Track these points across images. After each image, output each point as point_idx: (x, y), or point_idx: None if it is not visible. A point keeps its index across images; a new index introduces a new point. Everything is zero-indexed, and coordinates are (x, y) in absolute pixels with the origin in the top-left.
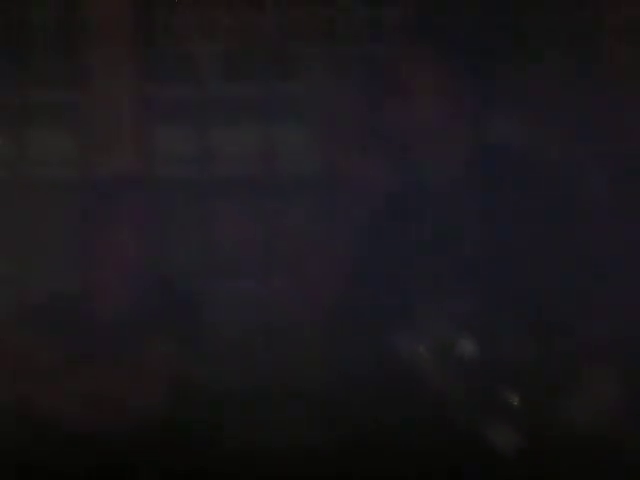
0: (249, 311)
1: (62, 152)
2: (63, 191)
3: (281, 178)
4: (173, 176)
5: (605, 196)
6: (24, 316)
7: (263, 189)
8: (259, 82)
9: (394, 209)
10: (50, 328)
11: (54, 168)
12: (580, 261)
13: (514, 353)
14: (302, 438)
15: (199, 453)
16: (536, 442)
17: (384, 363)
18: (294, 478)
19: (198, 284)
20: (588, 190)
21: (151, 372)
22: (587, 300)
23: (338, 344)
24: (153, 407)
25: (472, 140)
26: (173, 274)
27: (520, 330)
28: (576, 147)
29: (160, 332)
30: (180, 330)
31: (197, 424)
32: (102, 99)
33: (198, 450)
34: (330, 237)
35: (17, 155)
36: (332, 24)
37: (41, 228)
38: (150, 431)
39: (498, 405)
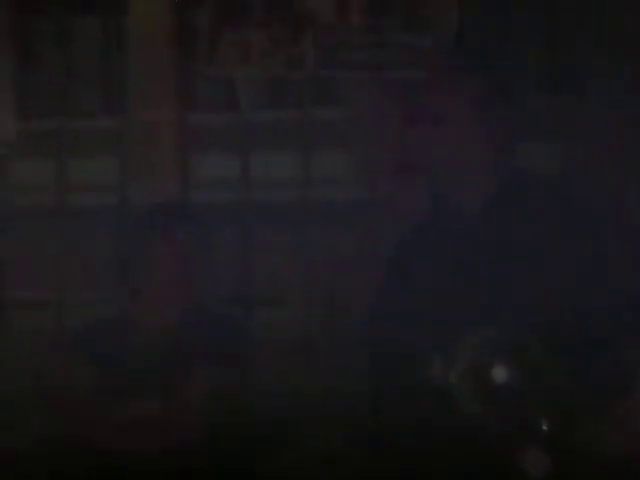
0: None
1: (104, 179)
2: (104, 218)
3: (320, 204)
4: (213, 202)
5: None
6: (65, 343)
7: (303, 215)
8: (298, 107)
9: (430, 236)
10: (91, 356)
11: (96, 195)
12: (613, 290)
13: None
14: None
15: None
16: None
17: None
18: None
19: (237, 312)
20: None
21: (190, 402)
22: (621, 325)
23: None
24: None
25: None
26: (213, 302)
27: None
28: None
29: (198, 360)
30: (217, 356)
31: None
32: (143, 126)
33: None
34: (367, 264)
35: (59, 182)
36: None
37: (84, 255)
38: (189, 459)
39: (531, 431)
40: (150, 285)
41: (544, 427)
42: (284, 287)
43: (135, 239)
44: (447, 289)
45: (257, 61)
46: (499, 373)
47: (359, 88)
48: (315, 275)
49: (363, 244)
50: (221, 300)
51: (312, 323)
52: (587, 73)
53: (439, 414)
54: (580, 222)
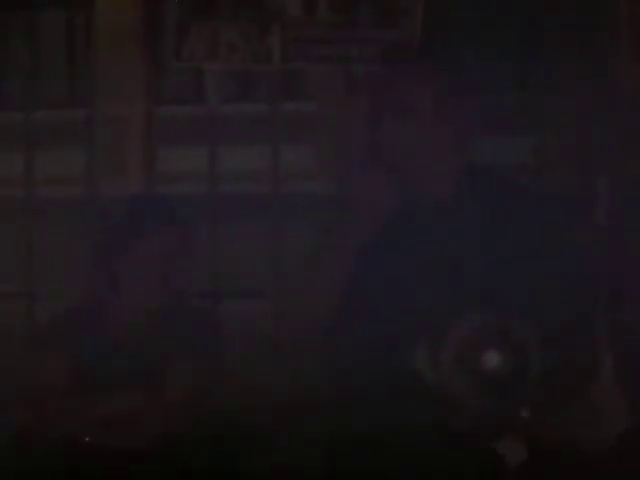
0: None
1: (70, 171)
2: (71, 210)
3: (286, 197)
4: (179, 194)
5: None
6: (40, 332)
7: (269, 208)
8: (266, 100)
9: (399, 228)
10: (67, 344)
11: (63, 187)
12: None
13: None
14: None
15: (218, 470)
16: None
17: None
18: None
19: (205, 302)
20: None
21: (171, 389)
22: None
23: (349, 359)
24: (173, 424)
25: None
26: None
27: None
28: None
29: (176, 349)
30: (195, 347)
31: (216, 441)
32: (110, 117)
33: (217, 467)
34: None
35: (27, 174)
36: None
37: (55, 246)
38: (171, 448)
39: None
40: (121, 279)
41: (524, 413)
42: (253, 280)
43: (105, 232)
44: (418, 283)
45: (225, 55)
46: (485, 358)
47: (326, 82)
48: (284, 269)
49: (330, 239)
50: (194, 293)
51: (285, 316)
52: (552, 72)
53: (424, 405)
54: (544, 215)
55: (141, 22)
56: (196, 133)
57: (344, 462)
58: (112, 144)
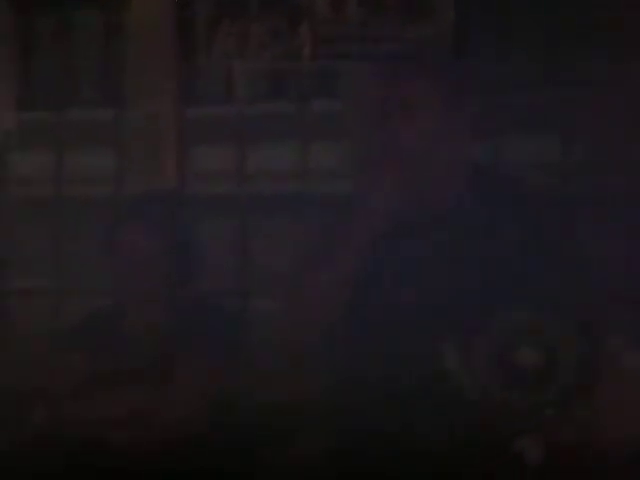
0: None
1: (101, 169)
2: (101, 208)
3: (317, 197)
4: (210, 193)
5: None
6: (60, 332)
7: (300, 208)
8: (297, 99)
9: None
10: (85, 344)
11: (93, 185)
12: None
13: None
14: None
15: (233, 468)
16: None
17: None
18: None
19: (233, 302)
20: None
21: (186, 388)
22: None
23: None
24: (188, 423)
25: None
26: (209, 291)
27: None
28: None
29: (193, 348)
30: (212, 346)
31: (232, 440)
32: (141, 117)
33: (232, 465)
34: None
35: (57, 172)
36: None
37: (81, 245)
38: (185, 447)
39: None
40: (143, 275)
41: (549, 412)
42: (281, 279)
43: (128, 229)
44: (443, 283)
45: (255, 53)
46: (517, 357)
47: (354, 80)
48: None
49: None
50: (217, 291)
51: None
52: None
53: (453, 406)
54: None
55: (172, 19)
56: (226, 132)
57: (361, 462)
58: (144, 143)
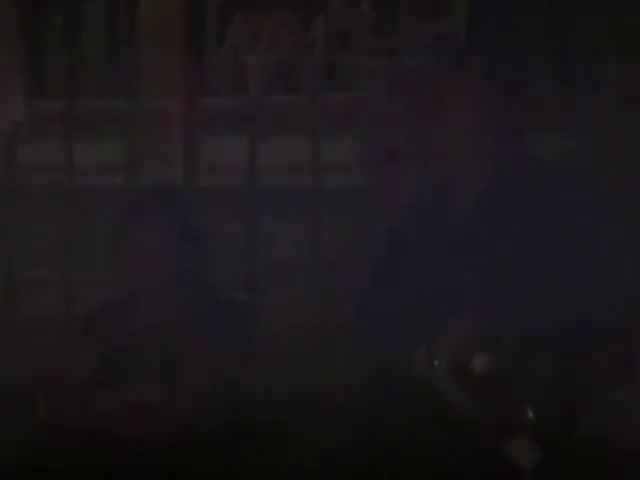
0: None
1: (110, 160)
2: (108, 198)
3: (326, 189)
4: (219, 186)
5: None
6: (73, 326)
7: (308, 200)
8: (308, 93)
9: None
10: (95, 336)
11: (102, 176)
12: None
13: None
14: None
15: (245, 460)
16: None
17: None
18: None
19: (240, 294)
20: None
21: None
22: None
23: (357, 356)
24: (200, 416)
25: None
26: (215, 284)
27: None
28: None
29: (202, 341)
30: (222, 341)
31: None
32: (152, 109)
33: (244, 457)
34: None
35: (64, 163)
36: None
37: (89, 236)
38: (196, 439)
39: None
40: (151, 268)
41: (530, 415)
42: (290, 273)
43: (133, 222)
44: (442, 277)
45: (268, 46)
46: (483, 363)
47: (366, 73)
48: (319, 261)
49: (362, 231)
50: (226, 285)
51: (315, 309)
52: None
53: (425, 408)
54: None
55: (185, 11)
56: (238, 124)
57: (348, 461)
58: (154, 134)
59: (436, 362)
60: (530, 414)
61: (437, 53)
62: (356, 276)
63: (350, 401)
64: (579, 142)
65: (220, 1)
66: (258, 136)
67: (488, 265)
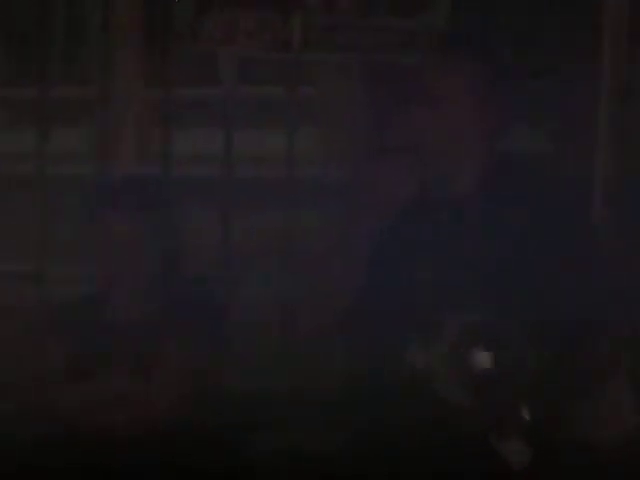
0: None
1: (77, 149)
2: (77, 188)
3: (294, 181)
4: (187, 176)
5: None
6: (44, 316)
7: (278, 192)
8: (276, 85)
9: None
10: (69, 328)
11: (69, 165)
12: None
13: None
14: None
15: (222, 454)
16: (549, 455)
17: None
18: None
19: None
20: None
21: (173, 372)
22: (602, 313)
23: (350, 351)
24: (176, 409)
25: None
26: (188, 273)
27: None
28: None
29: (177, 331)
30: (195, 332)
31: (220, 425)
32: (115, 98)
33: (221, 451)
34: (342, 242)
35: (35, 152)
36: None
37: (58, 226)
38: (172, 432)
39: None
40: (114, 259)
41: (525, 415)
42: (259, 263)
43: (107, 210)
44: (431, 273)
45: (243, 41)
46: (479, 358)
47: (345, 70)
48: (294, 254)
49: (343, 225)
50: (196, 276)
51: (291, 301)
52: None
53: (420, 402)
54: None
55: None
56: (208, 116)
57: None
58: (120, 125)
59: (432, 361)
60: (525, 414)
61: (417, 49)
62: (336, 272)
63: (336, 400)
64: (564, 139)
65: None
66: (232, 128)
67: (486, 264)
